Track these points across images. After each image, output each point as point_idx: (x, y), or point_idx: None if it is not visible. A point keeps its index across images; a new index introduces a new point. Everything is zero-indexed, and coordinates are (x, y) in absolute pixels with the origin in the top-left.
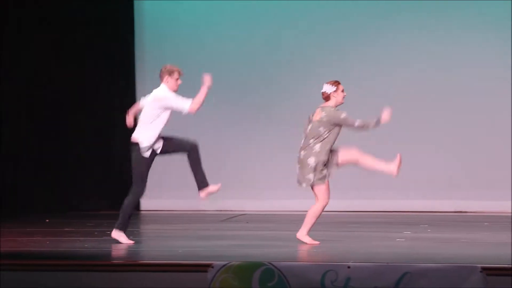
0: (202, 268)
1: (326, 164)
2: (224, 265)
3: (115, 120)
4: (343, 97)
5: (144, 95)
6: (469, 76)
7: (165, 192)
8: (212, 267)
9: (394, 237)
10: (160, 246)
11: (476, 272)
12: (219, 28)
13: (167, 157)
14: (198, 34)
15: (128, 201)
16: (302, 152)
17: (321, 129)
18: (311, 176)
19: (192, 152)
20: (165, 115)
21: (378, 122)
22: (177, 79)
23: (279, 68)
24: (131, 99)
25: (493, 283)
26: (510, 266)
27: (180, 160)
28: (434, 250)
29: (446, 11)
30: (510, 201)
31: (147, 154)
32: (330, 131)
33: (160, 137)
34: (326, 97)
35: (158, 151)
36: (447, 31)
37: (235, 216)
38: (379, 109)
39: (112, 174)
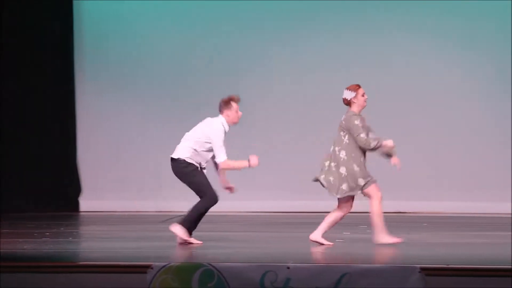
0: (142, 269)
1: (360, 173)
2: (163, 266)
3: (52, 121)
4: (365, 100)
5: (84, 96)
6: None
7: (104, 193)
8: (152, 268)
9: (334, 238)
10: (99, 247)
11: (415, 272)
12: (157, 28)
13: (105, 159)
14: (137, 34)
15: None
16: (329, 161)
17: (341, 134)
18: (344, 186)
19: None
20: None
21: (383, 153)
22: (237, 111)
23: (212, 67)
24: (69, 100)
25: (431, 283)
26: (448, 266)
27: (119, 161)
28: (373, 250)
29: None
30: (449, 202)
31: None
32: (348, 136)
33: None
34: (347, 103)
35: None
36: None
37: (175, 217)
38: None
39: (50, 176)
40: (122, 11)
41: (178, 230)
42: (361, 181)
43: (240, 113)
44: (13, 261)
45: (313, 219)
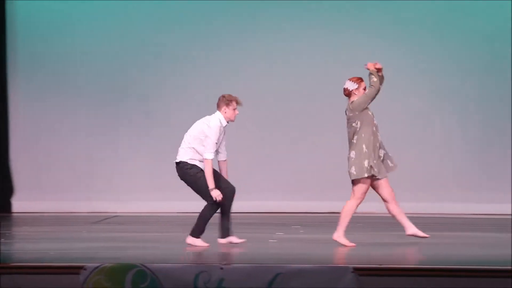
0: (75, 270)
1: (370, 158)
2: (96, 267)
3: None
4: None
5: (17, 97)
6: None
7: (37, 194)
8: (85, 269)
9: (267, 238)
10: (32, 248)
11: (348, 272)
12: (91, 28)
13: (38, 160)
14: (70, 34)
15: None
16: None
17: (353, 125)
18: (352, 169)
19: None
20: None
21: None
22: (234, 109)
23: (147, 69)
24: (1, 101)
25: (364, 283)
26: (381, 266)
27: (52, 162)
28: (306, 250)
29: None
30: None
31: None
32: (359, 121)
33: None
34: (348, 94)
35: None
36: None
37: (107, 218)
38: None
39: None
40: (57, 11)
41: (195, 242)
42: (366, 163)
43: (237, 111)
44: None
45: (245, 219)
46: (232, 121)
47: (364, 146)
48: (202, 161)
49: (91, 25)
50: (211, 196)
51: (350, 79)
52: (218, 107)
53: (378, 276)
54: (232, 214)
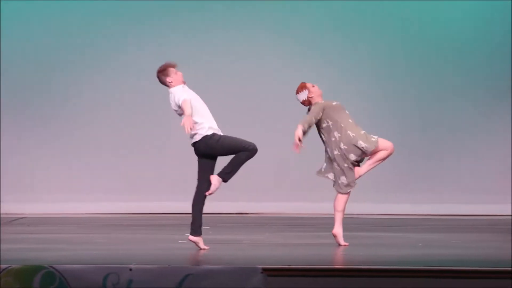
0: None
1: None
2: (4, 269)
3: None
4: (318, 88)
5: None
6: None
7: None
8: None
9: (176, 239)
10: None
11: (257, 273)
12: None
13: None
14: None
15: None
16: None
17: (322, 124)
18: (362, 146)
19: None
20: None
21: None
22: (175, 72)
23: (69, 69)
24: None
25: (273, 283)
26: (290, 266)
27: None
28: (216, 251)
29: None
30: (291, 203)
31: None
32: (328, 119)
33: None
34: (308, 103)
35: None
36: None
37: (15, 220)
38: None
39: None
40: None
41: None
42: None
43: (180, 73)
44: None
45: (155, 220)
46: (184, 83)
47: (350, 132)
48: (211, 127)
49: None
50: (246, 146)
51: (297, 92)
52: (164, 84)
53: (287, 276)
54: (145, 216)
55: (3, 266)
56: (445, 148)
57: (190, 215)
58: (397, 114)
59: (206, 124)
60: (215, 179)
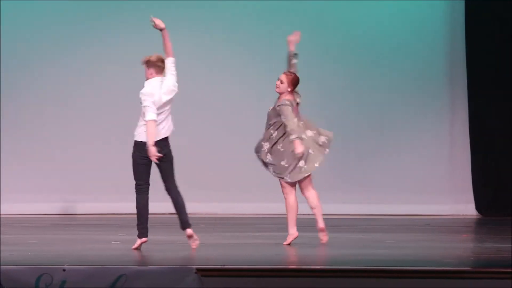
0: None
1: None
2: None
3: None
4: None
5: None
6: None
7: None
8: None
9: (110, 240)
10: None
11: (191, 273)
12: None
13: None
14: None
15: None
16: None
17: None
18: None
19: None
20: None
21: None
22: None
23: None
24: None
25: (207, 283)
26: (224, 267)
27: None
28: (149, 252)
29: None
30: (224, 203)
31: None
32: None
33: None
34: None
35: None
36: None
37: None
38: None
39: None
40: None
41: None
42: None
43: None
44: None
45: (87, 221)
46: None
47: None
48: (164, 130)
49: None
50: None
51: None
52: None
53: (221, 276)
54: (75, 216)
55: None
56: (382, 147)
57: (125, 216)
58: (334, 112)
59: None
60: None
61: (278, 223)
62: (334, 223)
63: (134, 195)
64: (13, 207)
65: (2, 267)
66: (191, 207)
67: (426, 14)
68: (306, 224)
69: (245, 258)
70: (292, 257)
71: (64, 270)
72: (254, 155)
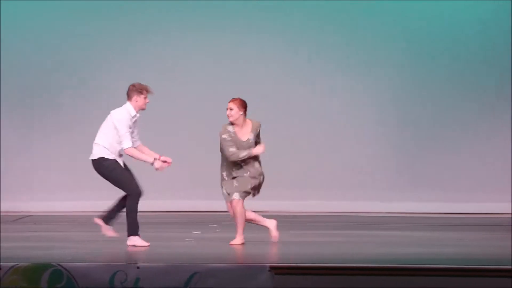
0: None
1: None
2: (12, 267)
3: None
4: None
5: None
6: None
7: None
8: (0, 269)
9: (183, 237)
10: None
11: (264, 271)
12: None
13: None
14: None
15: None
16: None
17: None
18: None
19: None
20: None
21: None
22: (145, 97)
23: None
24: None
25: (281, 281)
26: (298, 265)
27: None
28: (223, 250)
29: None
30: (299, 201)
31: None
32: None
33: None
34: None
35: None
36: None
37: (23, 218)
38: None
39: None
40: None
41: (136, 241)
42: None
43: (148, 100)
44: None
45: (162, 218)
46: (143, 109)
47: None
48: (119, 155)
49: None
50: (130, 188)
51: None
52: (129, 97)
53: (294, 275)
54: (150, 213)
55: (10, 264)
56: (449, 146)
57: (198, 214)
58: (401, 113)
59: (114, 152)
60: (131, 241)
61: (350, 222)
62: (408, 221)
63: (211, 193)
64: (88, 205)
65: (77, 264)
66: (264, 206)
67: (494, 14)
68: (370, 222)
69: (318, 256)
70: (365, 256)
71: (138, 267)
72: (331, 155)
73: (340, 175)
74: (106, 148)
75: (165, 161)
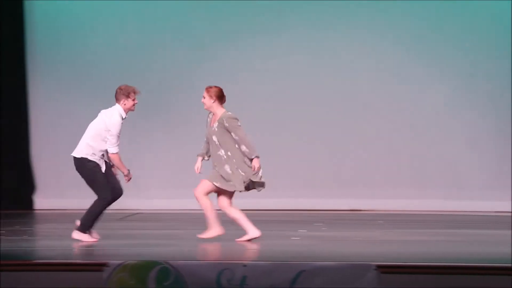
0: (98, 267)
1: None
2: (119, 264)
3: (4, 120)
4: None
5: (38, 95)
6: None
7: (59, 191)
8: (108, 266)
9: (290, 236)
10: (55, 245)
11: (371, 270)
12: (110, 26)
13: (60, 156)
14: (89, 33)
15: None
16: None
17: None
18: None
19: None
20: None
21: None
22: (134, 99)
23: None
24: (21, 99)
25: (387, 280)
26: (404, 264)
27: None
28: (329, 248)
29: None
30: (404, 200)
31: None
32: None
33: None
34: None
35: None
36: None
37: (131, 215)
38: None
39: (1, 173)
40: (74, 10)
41: (82, 237)
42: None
43: (136, 101)
44: None
45: (267, 216)
46: (132, 110)
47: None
48: (103, 158)
49: (107, 23)
50: (102, 192)
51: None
52: (117, 100)
53: (401, 273)
54: (255, 212)
55: (118, 262)
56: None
57: (301, 212)
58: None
59: (98, 154)
60: (76, 235)
61: (451, 220)
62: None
63: (315, 192)
64: (193, 203)
65: (184, 262)
66: (370, 204)
67: None
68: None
69: (425, 255)
70: (470, 255)
71: (244, 265)
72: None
73: (441, 175)
74: (92, 148)
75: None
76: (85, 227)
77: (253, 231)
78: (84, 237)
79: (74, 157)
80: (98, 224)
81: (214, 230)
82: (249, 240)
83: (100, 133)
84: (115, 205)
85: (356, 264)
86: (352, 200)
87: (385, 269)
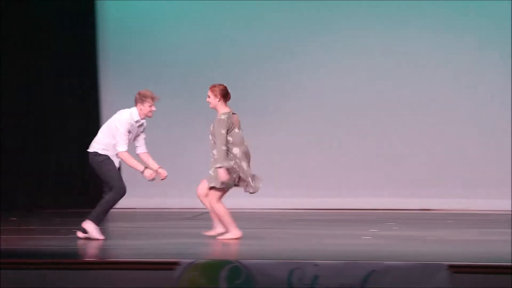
0: (169, 266)
1: None
2: (190, 263)
3: (76, 120)
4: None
5: (109, 95)
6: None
7: (131, 190)
8: (179, 265)
9: (360, 235)
10: (126, 244)
11: (442, 269)
12: (179, 26)
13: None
14: (160, 33)
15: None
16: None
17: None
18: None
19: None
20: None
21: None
22: (150, 105)
23: (245, 67)
24: (93, 99)
25: (459, 280)
26: (478, 263)
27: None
28: (400, 247)
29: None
30: (474, 199)
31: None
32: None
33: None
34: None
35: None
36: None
37: (201, 214)
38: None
39: (73, 173)
40: (145, 10)
41: (92, 229)
42: None
43: (154, 108)
44: (39, 258)
45: (338, 216)
46: (150, 117)
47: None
48: (116, 155)
49: (177, 23)
50: (116, 184)
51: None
52: (135, 103)
53: (474, 273)
54: (322, 211)
55: (189, 261)
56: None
57: (372, 211)
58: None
59: (111, 150)
60: (87, 225)
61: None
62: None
63: (386, 191)
64: (262, 202)
65: (255, 261)
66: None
67: None
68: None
69: (497, 255)
70: None
71: (315, 265)
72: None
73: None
74: (104, 143)
75: (158, 172)
76: (99, 219)
77: (234, 231)
78: (94, 231)
79: (88, 152)
80: (167, 223)
81: (233, 232)
82: (230, 239)
83: (111, 131)
84: (185, 204)
85: (427, 263)
86: (423, 199)
87: (457, 269)
